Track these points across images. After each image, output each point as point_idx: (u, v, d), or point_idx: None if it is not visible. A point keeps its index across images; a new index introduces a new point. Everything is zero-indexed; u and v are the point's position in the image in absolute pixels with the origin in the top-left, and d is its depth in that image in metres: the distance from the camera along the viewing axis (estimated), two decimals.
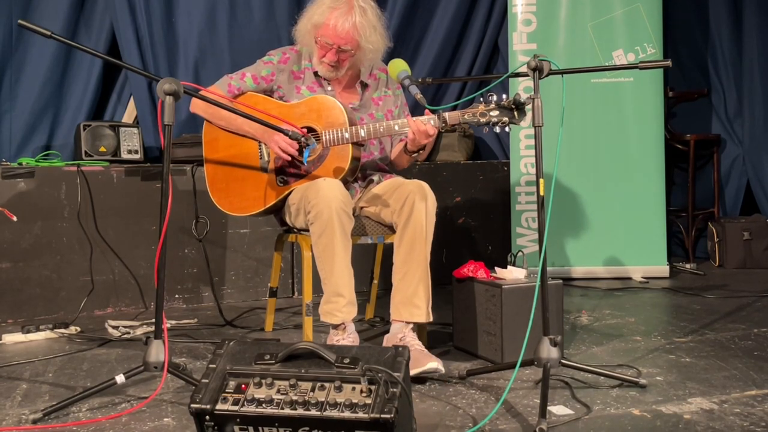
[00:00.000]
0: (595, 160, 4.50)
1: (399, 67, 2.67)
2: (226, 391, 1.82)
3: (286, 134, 2.67)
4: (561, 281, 2.83)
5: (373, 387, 1.78)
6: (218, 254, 3.97)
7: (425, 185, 2.72)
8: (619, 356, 2.80)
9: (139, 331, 3.29)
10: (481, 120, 2.59)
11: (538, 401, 2.16)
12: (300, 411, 1.76)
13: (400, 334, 2.62)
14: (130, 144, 3.95)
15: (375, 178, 2.94)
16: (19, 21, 2.35)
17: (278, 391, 1.80)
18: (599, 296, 4.04)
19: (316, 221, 2.62)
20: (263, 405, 1.77)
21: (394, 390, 1.75)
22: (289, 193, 2.86)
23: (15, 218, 3.31)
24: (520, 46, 4.51)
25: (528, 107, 2.50)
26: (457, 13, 4.93)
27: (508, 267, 2.82)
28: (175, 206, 3.51)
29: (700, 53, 5.37)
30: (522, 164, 4.53)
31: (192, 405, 1.80)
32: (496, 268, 2.84)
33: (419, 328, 2.74)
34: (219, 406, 1.79)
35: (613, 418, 2.14)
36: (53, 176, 3.65)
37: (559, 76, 2.45)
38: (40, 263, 3.61)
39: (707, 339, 3.04)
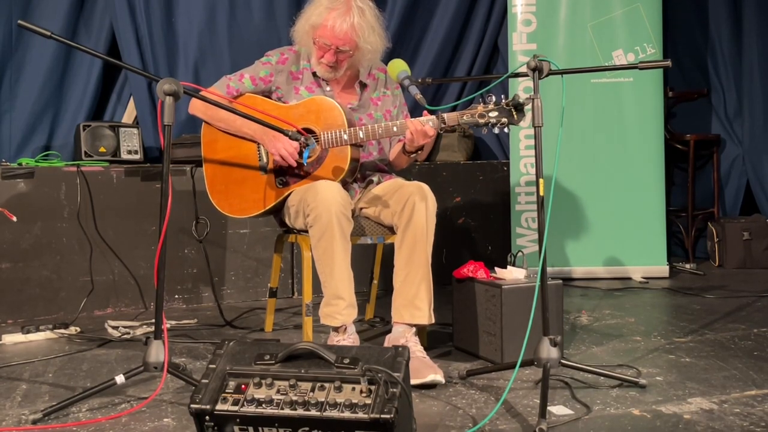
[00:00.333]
0: (595, 161, 4.50)
1: (399, 67, 2.67)
2: (226, 391, 1.82)
3: (286, 134, 2.67)
4: (561, 281, 2.83)
5: (373, 387, 1.78)
6: (218, 254, 3.97)
7: (425, 187, 2.72)
8: (619, 356, 2.80)
9: (138, 332, 3.29)
10: (480, 121, 2.59)
11: (538, 401, 2.16)
12: (300, 411, 1.76)
13: (402, 339, 2.60)
14: (130, 144, 3.95)
15: (374, 178, 2.93)
16: (19, 21, 2.35)
17: (278, 391, 1.80)
18: (599, 296, 4.04)
19: (316, 224, 2.62)
20: (263, 405, 1.77)
21: (394, 390, 1.75)
22: (289, 195, 2.86)
23: (15, 218, 3.30)
24: (519, 47, 4.51)
25: (527, 108, 2.50)
26: (457, 14, 4.94)
27: (508, 267, 2.82)
28: (175, 206, 3.50)
29: (699, 53, 5.37)
30: (522, 164, 4.53)
31: (192, 405, 1.80)
32: (496, 269, 2.84)
33: (420, 329, 2.74)
34: (219, 407, 1.79)
35: (613, 418, 2.14)
36: (53, 176, 3.65)
37: (558, 76, 2.45)
38: (40, 263, 3.61)
39: (707, 339, 3.04)
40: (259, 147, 2.90)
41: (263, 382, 1.81)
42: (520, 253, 2.85)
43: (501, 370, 2.58)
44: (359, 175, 2.92)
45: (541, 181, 2.35)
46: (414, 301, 2.63)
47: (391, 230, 2.82)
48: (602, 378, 2.45)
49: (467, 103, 2.88)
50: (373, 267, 3.44)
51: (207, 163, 2.98)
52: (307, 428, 1.76)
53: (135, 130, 4.00)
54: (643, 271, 4.49)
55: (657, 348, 2.92)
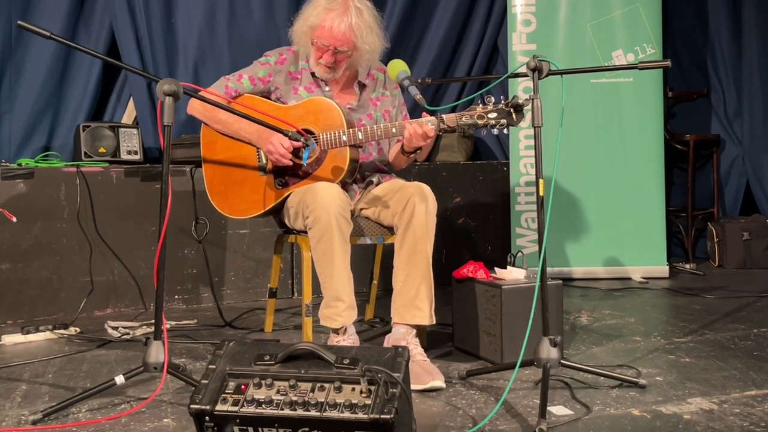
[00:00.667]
0: (595, 161, 4.50)
1: (398, 67, 2.67)
2: (226, 391, 1.82)
3: (286, 134, 2.67)
4: (561, 281, 2.83)
5: (372, 387, 1.78)
6: (218, 255, 3.97)
7: (426, 187, 2.71)
8: (619, 356, 2.80)
9: (138, 332, 3.29)
10: (479, 122, 2.58)
11: (538, 402, 2.16)
12: (300, 411, 1.76)
13: (403, 341, 2.59)
14: (130, 145, 3.95)
15: (374, 179, 2.93)
16: (19, 22, 2.35)
17: (278, 391, 1.80)
18: (599, 296, 4.04)
19: (315, 226, 2.62)
20: (263, 406, 1.77)
21: (394, 390, 1.75)
22: (288, 195, 2.85)
23: (14, 219, 3.30)
24: (519, 47, 4.51)
25: (526, 109, 2.50)
26: (457, 14, 4.93)
27: (508, 267, 2.82)
28: (175, 207, 3.51)
29: (699, 53, 5.37)
30: (521, 165, 4.53)
31: (192, 406, 1.80)
32: (495, 269, 2.84)
33: (420, 330, 2.73)
34: (219, 407, 1.79)
35: (613, 419, 2.14)
36: (53, 177, 3.65)
37: (558, 76, 2.45)
38: (40, 264, 3.61)
39: (707, 339, 3.04)
40: (258, 148, 2.90)
41: (263, 382, 1.81)
42: (519, 254, 2.85)
43: (501, 371, 2.58)
44: (359, 175, 2.92)
45: (540, 181, 2.35)
46: (415, 302, 2.63)
47: (391, 231, 2.82)
48: (602, 378, 2.45)
49: (467, 104, 2.88)
50: (373, 267, 3.44)
51: (206, 164, 2.98)
52: (306, 428, 1.76)
53: (135, 131, 4.00)
54: (642, 272, 4.49)
55: (657, 348, 2.92)
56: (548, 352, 2.32)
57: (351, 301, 2.63)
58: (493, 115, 2.57)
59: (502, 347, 2.67)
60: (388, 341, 2.64)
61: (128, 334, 3.27)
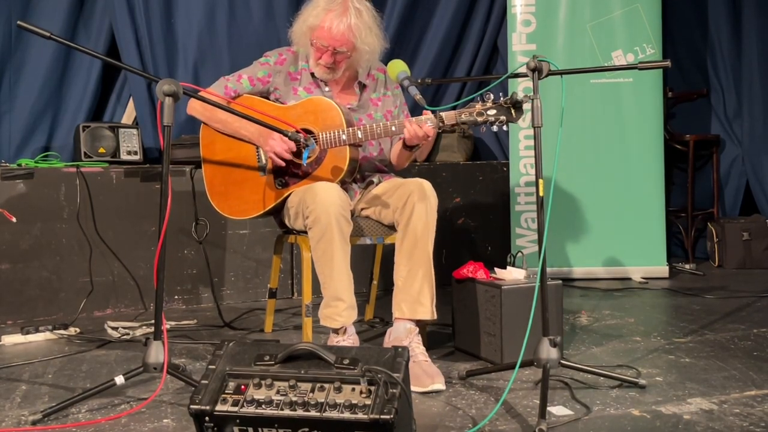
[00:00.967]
0: (595, 161, 4.50)
1: (398, 67, 2.67)
2: (226, 392, 1.82)
3: (286, 135, 2.67)
4: (560, 282, 2.83)
5: (372, 388, 1.77)
6: (218, 255, 3.97)
7: (426, 183, 2.71)
8: (619, 357, 2.80)
9: (138, 332, 3.29)
10: (479, 119, 2.58)
11: (538, 402, 2.16)
12: (299, 412, 1.76)
13: (406, 340, 2.58)
14: (130, 145, 3.94)
15: (374, 179, 2.93)
16: (18, 22, 2.35)
17: (278, 392, 1.80)
18: (599, 297, 4.04)
19: (315, 226, 2.61)
20: (263, 406, 1.77)
21: (394, 391, 1.75)
22: (288, 196, 2.85)
23: (14, 219, 3.30)
24: (519, 47, 4.51)
25: (526, 105, 2.50)
26: (457, 14, 4.93)
27: (508, 267, 2.82)
28: (175, 207, 3.50)
29: (699, 53, 5.37)
30: (521, 165, 4.53)
31: (191, 406, 1.80)
32: (495, 269, 2.84)
33: (420, 329, 2.73)
34: (218, 407, 1.79)
35: (613, 419, 2.14)
36: (52, 177, 3.65)
37: (558, 76, 2.45)
38: (40, 264, 3.61)
39: (707, 339, 3.04)
40: (258, 148, 2.90)
41: (263, 382, 1.81)
42: (519, 254, 2.85)
43: (501, 371, 2.58)
44: (359, 175, 2.92)
45: (540, 181, 2.35)
46: (416, 297, 2.62)
47: (392, 229, 2.82)
48: (602, 378, 2.45)
49: (467, 104, 2.87)
50: (373, 267, 3.44)
51: (206, 164, 2.98)
52: (306, 429, 1.76)
53: (134, 131, 4.00)
54: (642, 272, 4.49)
55: (657, 348, 2.91)
56: (548, 352, 2.32)
57: (351, 301, 2.63)
58: (493, 111, 2.57)
59: (502, 347, 2.67)
60: (389, 336, 2.64)
61: (128, 334, 3.26)
